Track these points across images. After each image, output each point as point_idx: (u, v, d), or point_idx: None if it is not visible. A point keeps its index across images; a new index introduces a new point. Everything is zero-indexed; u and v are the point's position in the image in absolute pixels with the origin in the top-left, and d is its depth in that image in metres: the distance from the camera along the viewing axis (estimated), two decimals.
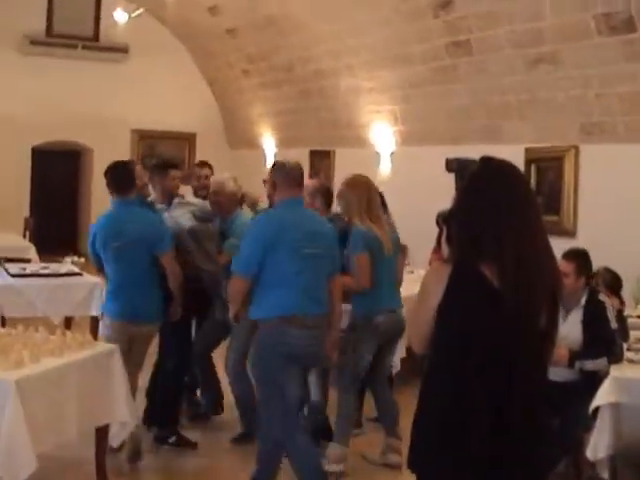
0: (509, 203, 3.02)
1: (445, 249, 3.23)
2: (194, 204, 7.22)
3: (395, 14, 11.09)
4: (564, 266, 5.74)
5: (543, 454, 3.15)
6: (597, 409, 5.41)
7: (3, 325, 7.56)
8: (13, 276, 8.31)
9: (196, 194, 7.68)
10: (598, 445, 5.34)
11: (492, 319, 2.99)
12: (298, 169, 5.67)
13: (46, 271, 8.70)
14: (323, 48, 13.28)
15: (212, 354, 7.47)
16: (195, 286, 6.73)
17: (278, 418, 5.50)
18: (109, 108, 16.71)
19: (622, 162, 9.05)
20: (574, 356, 5.82)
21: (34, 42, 16.12)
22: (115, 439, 5.91)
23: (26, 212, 15.98)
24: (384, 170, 12.80)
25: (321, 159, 14.77)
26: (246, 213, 7.36)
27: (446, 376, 3.04)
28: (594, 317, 5.96)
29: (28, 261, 9.85)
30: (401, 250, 6.95)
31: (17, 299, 8.04)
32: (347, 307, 6.27)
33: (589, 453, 5.39)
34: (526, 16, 9.21)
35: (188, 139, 17.79)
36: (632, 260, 8.20)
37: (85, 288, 8.36)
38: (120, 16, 14.97)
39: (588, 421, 5.51)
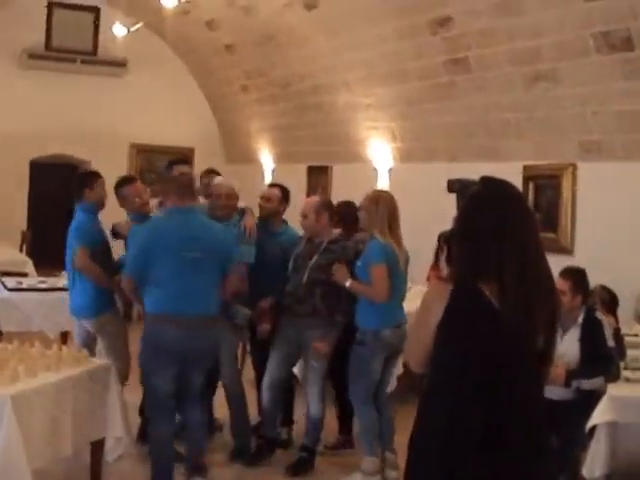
0: (510, 224, 3.05)
1: (445, 268, 3.27)
2: (202, 205, 7.25)
3: (393, 31, 11.10)
4: (561, 284, 5.75)
5: (542, 471, 3.17)
6: (594, 428, 5.42)
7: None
8: (10, 290, 8.30)
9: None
10: (595, 464, 5.35)
11: (492, 338, 3.02)
12: (187, 180, 6.25)
13: (43, 285, 8.71)
14: (321, 64, 13.29)
15: None
16: None
17: (149, 404, 6.09)
18: (107, 122, 16.70)
19: (620, 180, 9.04)
20: (571, 375, 5.82)
21: (33, 56, 16.10)
22: (110, 454, 5.90)
23: (23, 225, 15.96)
24: (382, 186, 12.79)
25: (319, 174, 14.76)
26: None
27: (445, 395, 3.06)
28: (591, 336, 5.96)
29: (25, 275, 9.85)
30: None
31: (14, 313, 8.04)
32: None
33: (586, 472, 5.39)
34: (525, 34, 9.22)
35: (186, 154, 17.77)
36: (629, 279, 8.20)
37: None
38: (119, 30, 14.95)
39: (585, 440, 5.51)
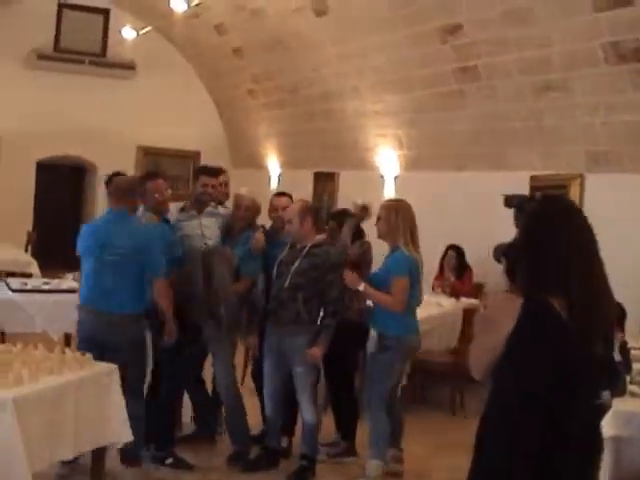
0: (576, 240, 3.24)
1: (505, 282, 3.38)
2: (223, 215, 7.31)
3: (403, 38, 11.09)
4: None
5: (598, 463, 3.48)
6: None
7: (3, 341, 7.54)
8: (14, 291, 8.28)
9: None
10: (599, 478, 5.29)
11: (563, 350, 3.17)
12: (125, 183, 6.70)
13: (47, 287, 8.68)
14: (329, 70, 13.28)
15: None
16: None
17: None
18: (114, 124, 16.71)
19: (627, 191, 9.02)
20: None
21: (41, 57, 16.14)
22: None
23: (29, 226, 15.96)
24: (388, 194, 12.77)
25: (325, 181, 14.75)
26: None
27: (512, 403, 3.22)
28: None
29: (30, 276, 9.84)
30: None
31: (17, 314, 8.01)
32: None
33: None
34: (535, 43, 9.20)
35: (192, 157, 17.78)
36: (636, 291, 8.16)
37: None
38: (128, 33, 14.96)
39: None
